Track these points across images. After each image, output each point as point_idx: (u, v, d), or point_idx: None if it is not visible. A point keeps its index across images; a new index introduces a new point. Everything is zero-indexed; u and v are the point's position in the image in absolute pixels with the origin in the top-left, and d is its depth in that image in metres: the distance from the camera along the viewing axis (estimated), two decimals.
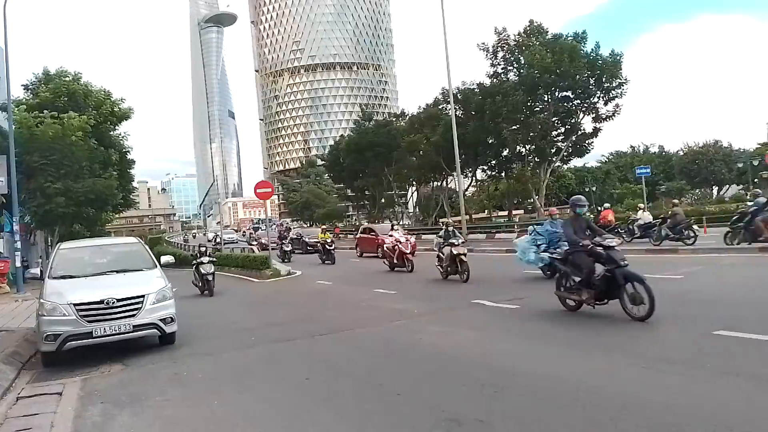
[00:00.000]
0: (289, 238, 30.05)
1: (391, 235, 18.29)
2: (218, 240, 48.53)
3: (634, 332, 6.75)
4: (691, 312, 7.71)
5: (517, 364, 5.75)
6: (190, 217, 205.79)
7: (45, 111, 23.72)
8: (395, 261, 17.38)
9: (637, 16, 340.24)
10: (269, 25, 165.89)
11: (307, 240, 33.31)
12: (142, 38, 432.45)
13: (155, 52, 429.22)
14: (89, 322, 7.24)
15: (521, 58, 36.40)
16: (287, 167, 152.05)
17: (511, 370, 5.56)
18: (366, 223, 40.38)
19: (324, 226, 27.03)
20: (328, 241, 23.68)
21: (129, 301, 7.48)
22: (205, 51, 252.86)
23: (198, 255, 16.18)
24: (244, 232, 76.74)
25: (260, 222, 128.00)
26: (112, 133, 29.18)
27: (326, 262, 23.07)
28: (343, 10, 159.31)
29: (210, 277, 15.34)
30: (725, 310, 7.58)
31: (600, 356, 5.87)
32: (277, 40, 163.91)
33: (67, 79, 26.82)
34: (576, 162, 54.46)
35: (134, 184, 38.87)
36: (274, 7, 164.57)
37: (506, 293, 10.44)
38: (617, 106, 35.64)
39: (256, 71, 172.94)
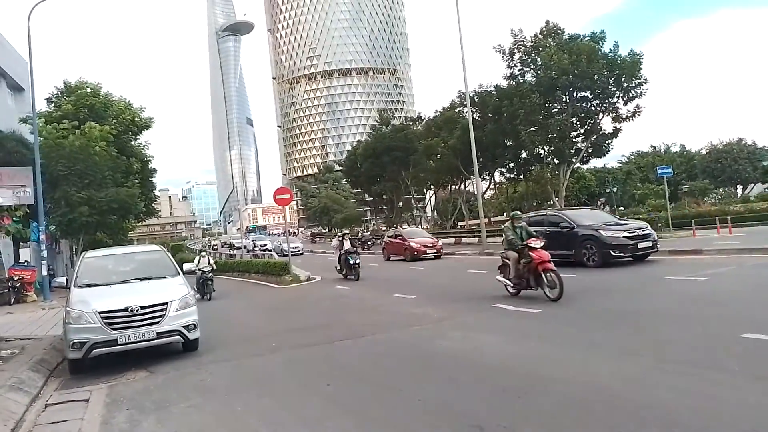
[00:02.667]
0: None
1: None
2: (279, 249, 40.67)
3: (658, 336, 6.65)
4: (717, 314, 7.58)
5: (539, 369, 5.70)
6: (210, 224, 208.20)
7: (65, 121, 24.39)
8: None
9: (655, 14, 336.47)
10: (285, 33, 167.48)
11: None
12: (162, 48, 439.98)
13: (174, 62, 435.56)
14: (114, 329, 7.36)
15: (538, 59, 36.13)
16: (305, 173, 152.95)
17: (534, 374, 5.52)
18: None
19: None
20: None
21: (153, 309, 7.59)
22: (223, 59, 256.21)
23: None
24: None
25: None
26: (133, 142, 29.73)
27: None
28: (358, 15, 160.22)
29: None
30: (753, 313, 7.43)
31: (624, 360, 5.78)
32: (293, 47, 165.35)
33: (87, 91, 27.43)
34: (596, 162, 53.78)
35: (156, 192, 39.39)
36: (290, 15, 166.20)
37: (527, 297, 10.35)
38: (638, 106, 35.10)
39: (274, 78, 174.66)
